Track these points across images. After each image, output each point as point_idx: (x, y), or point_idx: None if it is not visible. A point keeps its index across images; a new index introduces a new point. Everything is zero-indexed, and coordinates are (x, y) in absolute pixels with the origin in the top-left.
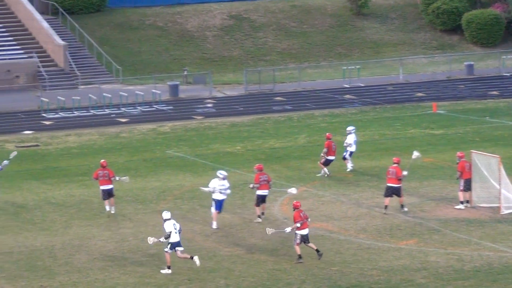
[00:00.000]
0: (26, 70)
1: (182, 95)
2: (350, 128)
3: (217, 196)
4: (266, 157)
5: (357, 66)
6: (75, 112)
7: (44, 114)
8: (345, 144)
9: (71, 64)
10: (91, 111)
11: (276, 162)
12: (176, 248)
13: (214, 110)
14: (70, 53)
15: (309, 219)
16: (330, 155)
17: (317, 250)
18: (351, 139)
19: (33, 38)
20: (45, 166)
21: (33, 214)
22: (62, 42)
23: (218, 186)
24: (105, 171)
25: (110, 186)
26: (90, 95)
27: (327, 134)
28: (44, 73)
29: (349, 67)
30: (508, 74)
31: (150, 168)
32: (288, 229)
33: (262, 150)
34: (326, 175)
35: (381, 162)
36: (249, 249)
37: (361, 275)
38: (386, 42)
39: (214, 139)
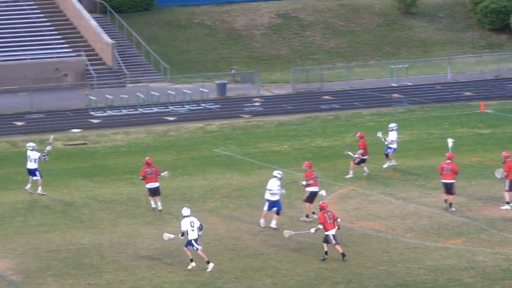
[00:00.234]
0: (74, 68)
1: (229, 93)
2: (392, 125)
3: (270, 197)
4: (313, 156)
5: (405, 65)
6: (123, 110)
7: (92, 113)
8: (387, 142)
9: (119, 63)
10: (139, 109)
11: (323, 161)
12: (195, 246)
13: (261, 108)
14: (118, 52)
15: (338, 220)
16: (366, 155)
17: (326, 253)
18: (394, 135)
19: (82, 37)
20: (93, 164)
21: (80, 212)
22: (110, 41)
23: (276, 186)
24: (152, 168)
25: (156, 184)
26: (138, 94)
27: (359, 133)
28: (92, 72)
29: (397, 66)
30: None
31: (198, 167)
32: (312, 230)
33: (309, 149)
34: (364, 173)
35: (429, 161)
36: (296, 248)
37: (408, 274)
38: (434, 41)
39: (261, 138)
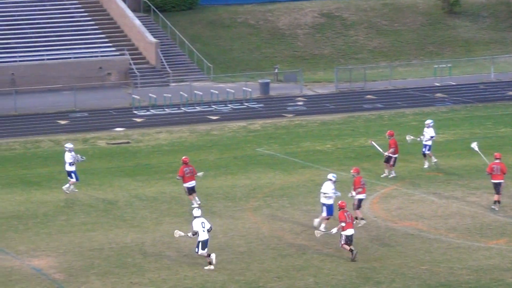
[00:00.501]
0: (118, 67)
1: (272, 93)
2: (429, 121)
3: (325, 200)
4: (356, 155)
5: (449, 65)
6: (166, 109)
7: (135, 111)
8: (424, 140)
9: (162, 62)
10: (182, 108)
11: (366, 160)
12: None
13: (304, 108)
14: (161, 51)
15: (355, 222)
16: (396, 153)
17: (351, 250)
18: (432, 132)
19: (125, 36)
20: (136, 163)
21: (123, 211)
22: (153, 40)
23: (330, 190)
24: (190, 167)
25: (194, 183)
26: (181, 93)
27: (389, 131)
28: (135, 70)
29: (440, 66)
30: None
31: (240, 166)
32: (334, 230)
33: (352, 148)
34: (390, 175)
35: (471, 161)
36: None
37: (450, 274)
38: (477, 41)
39: (304, 137)
